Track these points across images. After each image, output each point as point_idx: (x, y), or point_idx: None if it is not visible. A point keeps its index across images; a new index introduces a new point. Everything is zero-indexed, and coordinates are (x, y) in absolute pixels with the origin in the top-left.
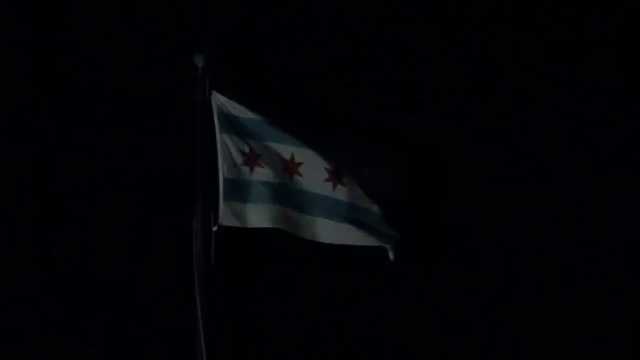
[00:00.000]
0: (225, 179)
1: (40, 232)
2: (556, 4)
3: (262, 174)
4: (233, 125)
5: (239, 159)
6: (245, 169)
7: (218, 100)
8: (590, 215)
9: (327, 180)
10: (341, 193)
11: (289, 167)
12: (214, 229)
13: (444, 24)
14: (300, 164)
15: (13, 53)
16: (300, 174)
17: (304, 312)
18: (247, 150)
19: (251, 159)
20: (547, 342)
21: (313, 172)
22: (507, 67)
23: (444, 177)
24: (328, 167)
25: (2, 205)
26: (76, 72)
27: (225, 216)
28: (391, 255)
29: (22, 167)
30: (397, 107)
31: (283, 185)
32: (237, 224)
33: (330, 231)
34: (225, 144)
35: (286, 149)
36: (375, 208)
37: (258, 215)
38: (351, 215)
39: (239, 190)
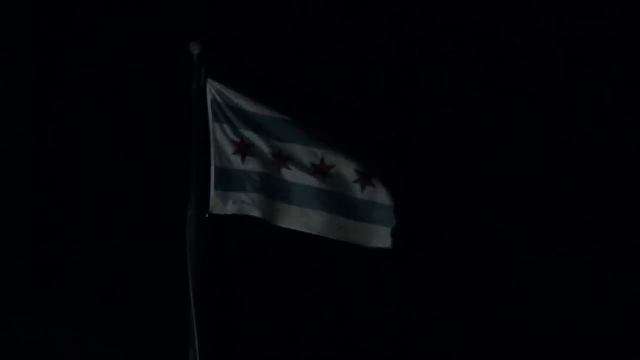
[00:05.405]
0: (216, 168)
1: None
2: (555, 4)
3: (253, 163)
4: (226, 114)
5: (230, 148)
6: (236, 158)
7: (213, 88)
8: (587, 214)
9: (355, 181)
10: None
11: (320, 169)
12: (206, 216)
13: (443, 23)
14: (331, 166)
15: (13, 53)
16: (330, 176)
17: (297, 302)
18: (238, 140)
19: (242, 149)
20: (543, 341)
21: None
22: (505, 67)
23: (441, 176)
24: (357, 168)
25: (2, 204)
26: (69, 62)
27: (216, 204)
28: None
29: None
30: (393, 104)
31: (273, 177)
32: (227, 212)
33: (327, 225)
34: (218, 133)
35: (313, 152)
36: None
37: (247, 205)
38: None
39: (230, 179)
